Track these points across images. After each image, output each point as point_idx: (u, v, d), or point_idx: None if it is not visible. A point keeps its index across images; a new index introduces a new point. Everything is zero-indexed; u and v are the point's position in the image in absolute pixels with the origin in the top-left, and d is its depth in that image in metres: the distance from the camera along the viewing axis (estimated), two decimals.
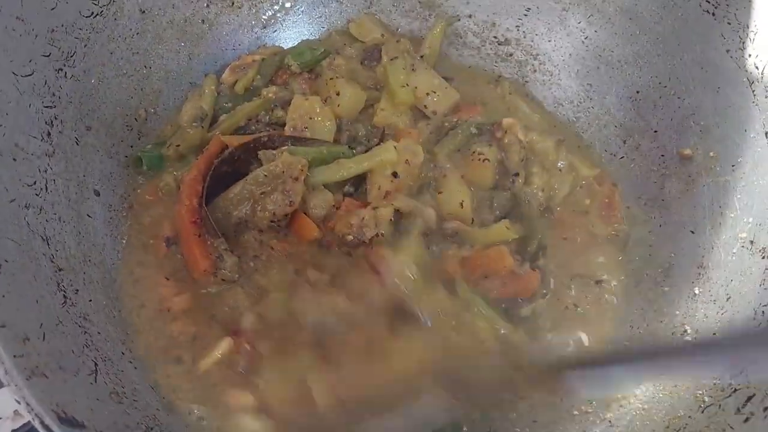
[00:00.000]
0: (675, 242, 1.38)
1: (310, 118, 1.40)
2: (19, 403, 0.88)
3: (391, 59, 1.53)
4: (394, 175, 1.35)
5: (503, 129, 1.46)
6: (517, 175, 1.43)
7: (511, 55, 1.66)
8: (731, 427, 1.00)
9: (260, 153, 1.31)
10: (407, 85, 1.48)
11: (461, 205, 1.37)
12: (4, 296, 0.95)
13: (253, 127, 1.44)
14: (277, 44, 1.63)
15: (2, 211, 1.04)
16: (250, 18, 1.60)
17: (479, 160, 1.42)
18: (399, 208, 1.32)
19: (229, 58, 1.56)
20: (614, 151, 1.53)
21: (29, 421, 1.35)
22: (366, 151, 1.39)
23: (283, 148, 1.32)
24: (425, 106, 1.51)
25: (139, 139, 1.41)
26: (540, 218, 1.43)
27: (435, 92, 1.52)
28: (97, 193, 1.30)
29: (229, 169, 1.33)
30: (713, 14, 1.33)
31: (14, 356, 0.90)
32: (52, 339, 1.00)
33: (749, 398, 1.02)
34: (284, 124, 1.41)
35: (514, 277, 1.31)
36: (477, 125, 1.48)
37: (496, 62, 1.67)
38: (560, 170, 1.48)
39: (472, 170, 1.43)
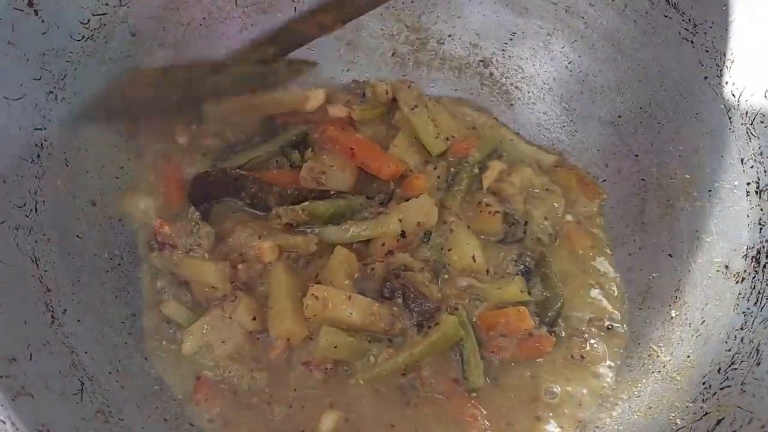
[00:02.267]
0: (654, 265, 1.41)
1: (328, 168, 1.45)
2: (4, 422, 0.90)
3: (412, 109, 1.55)
4: (402, 234, 1.36)
5: (491, 175, 1.49)
6: (526, 224, 1.45)
7: (494, 77, 1.69)
8: None
9: (280, 210, 1.38)
10: (438, 135, 1.52)
11: (474, 258, 1.37)
12: None
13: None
14: None
15: None
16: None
17: (489, 212, 1.43)
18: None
19: None
20: (596, 174, 1.57)
21: None
22: (381, 203, 1.44)
23: (305, 204, 1.37)
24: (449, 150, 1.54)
25: (128, 159, 1.43)
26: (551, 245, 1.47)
27: (455, 136, 1.55)
28: (87, 213, 1.32)
29: (248, 199, 1.45)
30: (692, 42, 1.36)
31: (1, 377, 0.92)
32: (39, 359, 1.02)
33: (719, 421, 1.04)
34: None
35: (530, 341, 1.33)
36: (478, 164, 1.51)
37: (481, 85, 1.70)
38: (548, 189, 1.51)
39: (481, 222, 1.44)
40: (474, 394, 1.29)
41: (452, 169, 1.51)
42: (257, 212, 1.45)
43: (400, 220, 1.36)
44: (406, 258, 1.35)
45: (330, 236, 1.37)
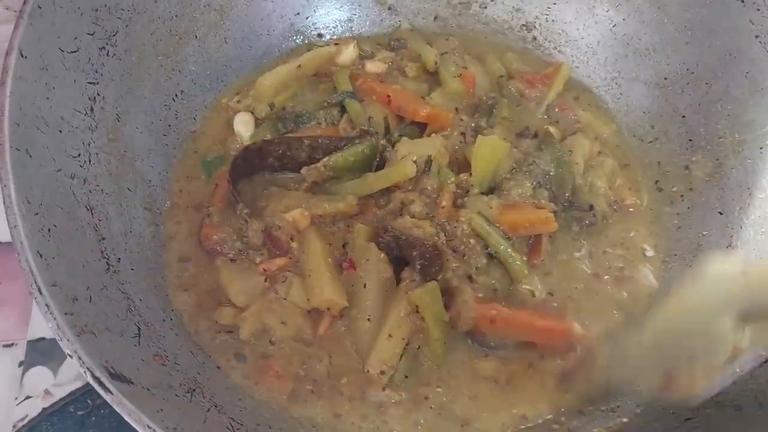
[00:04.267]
0: (704, 223, 1.39)
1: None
2: (71, 356, 0.90)
3: (442, 54, 1.58)
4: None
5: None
6: (592, 207, 1.39)
7: (537, 41, 1.69)
8: None
9: (303, 170, 1.35)
10: (459, 76, 1.54)
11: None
12: (54, 258, 0.98)
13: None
14: (309, 30, 1.68)
15: (50, 179, 1.08)
16: (283, 4, 1.64)
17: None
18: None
19: (263, 43, 1.61)
20: (642, 135, 1.55)
21: (58, 400, 1.39)
22: (401, 137, 1.41)
23: (324, 160, 1.34)
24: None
25: (176, 117, 1.45)
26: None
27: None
28: (137, 168, 1.33)
29: (276, 163, 1.40)
30: (742, 1, 1.35)
31: (65, 313, 0.93)
32: (98, 302, 1.03)
33: None
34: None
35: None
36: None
37: (525, 49, 1.70)
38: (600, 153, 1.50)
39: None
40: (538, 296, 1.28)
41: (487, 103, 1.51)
42: (289, 175, 1.41)
43: (414, 162, 1.31)
44: (404, 196, 1.31)
45: (350, 191, 1.35)
